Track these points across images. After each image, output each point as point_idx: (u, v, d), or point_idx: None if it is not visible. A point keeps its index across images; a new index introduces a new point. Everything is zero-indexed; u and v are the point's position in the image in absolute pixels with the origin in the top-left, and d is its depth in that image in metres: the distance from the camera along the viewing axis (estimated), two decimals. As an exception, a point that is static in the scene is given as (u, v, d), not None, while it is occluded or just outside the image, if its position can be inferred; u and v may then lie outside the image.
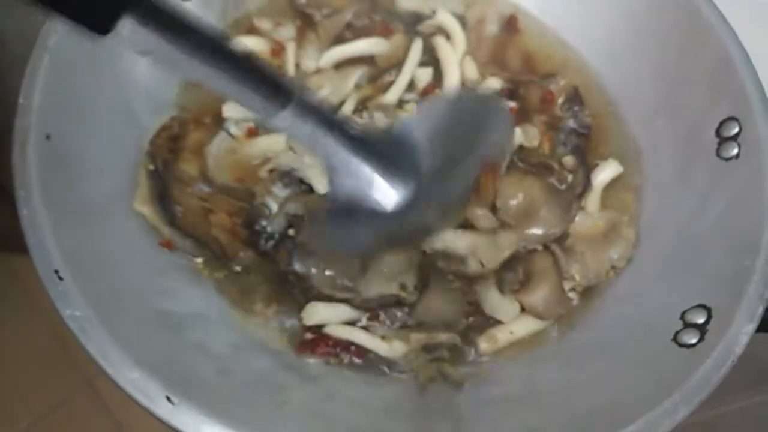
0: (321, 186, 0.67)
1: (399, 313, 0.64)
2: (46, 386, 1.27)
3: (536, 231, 0.69)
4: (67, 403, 1.27)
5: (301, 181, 0.68)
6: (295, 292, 0.65)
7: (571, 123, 0.75)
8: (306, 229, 0.66)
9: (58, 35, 0.59)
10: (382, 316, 0.64)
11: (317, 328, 0.63)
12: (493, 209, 0.68)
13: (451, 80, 0.75)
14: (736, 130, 0.64)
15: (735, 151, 0.64)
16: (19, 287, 1.27)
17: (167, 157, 0.66)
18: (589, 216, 0.71)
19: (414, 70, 0.76)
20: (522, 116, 0.76)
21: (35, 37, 0.60)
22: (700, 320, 0.57)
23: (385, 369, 0.63)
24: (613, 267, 0.69)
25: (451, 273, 0.66)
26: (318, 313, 0.62)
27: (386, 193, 0.55)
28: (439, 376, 0.62)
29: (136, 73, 0.68)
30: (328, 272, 0.64)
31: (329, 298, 0.64)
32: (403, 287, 0.64)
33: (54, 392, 1.27)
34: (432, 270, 0.66)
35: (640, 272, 0.67)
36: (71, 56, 0.60)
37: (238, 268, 0.65)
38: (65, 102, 0.60)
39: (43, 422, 1.25)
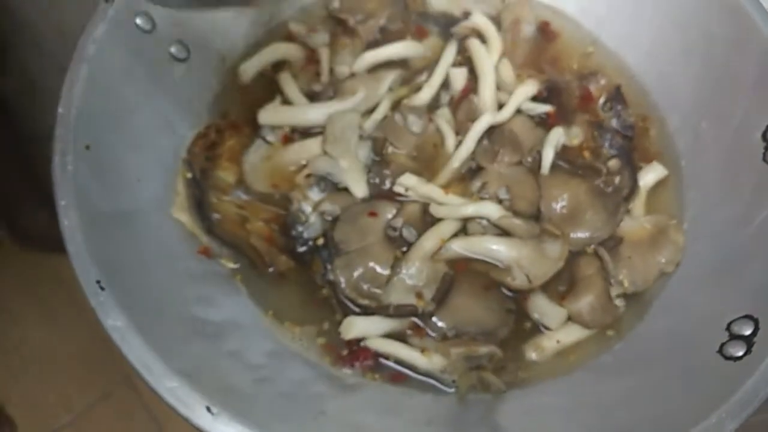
0: (358, 189, 0.67)
1: (439, 323, 0.63)
2: (87, 383, 1.29)
3: (581, 234, 0.67)
4: (107, 399, 1.29)
5: (337, 186, 0.68)
6: (332, 305, 0.64)
7: (614, 123, 0.73)
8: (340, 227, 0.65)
9: (96, 46, 0.60)
10: (422, 327, 0.63)
11: (355, 341, 0.62)
12: (537, 215, 0.67)
13: (487, 83, 0.74)
14: (784, 134, 0.63)
15: (783, 156, 0.62)
16: (60, 286, 1.29)
17: (204, 165, 0.67)
18: (636, 220, 0.69)
19: (447, 71, 0.75)
20: (562, 117, 0.74)
21: (70, 34, 0.60)
22: (747, 332, 0.55)
23: (424, 380, 0.62)
24: (662, 272, 0.66)
25: (492, 283, 0.65)
26: (356, 327, 0.62)
27: None
28: (480, 385, 0.61)
29: (173, 82, 0.68)
30: (356, 273, 0.64)
31: (355, 304, 0.63)
32: (419, 296, 0.63)
33: (94, 389, 1.29)
34: (469, 277, 0.65)
35: (685, 280, 0.66)
36: (109, 67, 0.61)
37: (275, 276, 0.65)
38: (104, 112, 0.60)
39: (84, 418, 1.27)
